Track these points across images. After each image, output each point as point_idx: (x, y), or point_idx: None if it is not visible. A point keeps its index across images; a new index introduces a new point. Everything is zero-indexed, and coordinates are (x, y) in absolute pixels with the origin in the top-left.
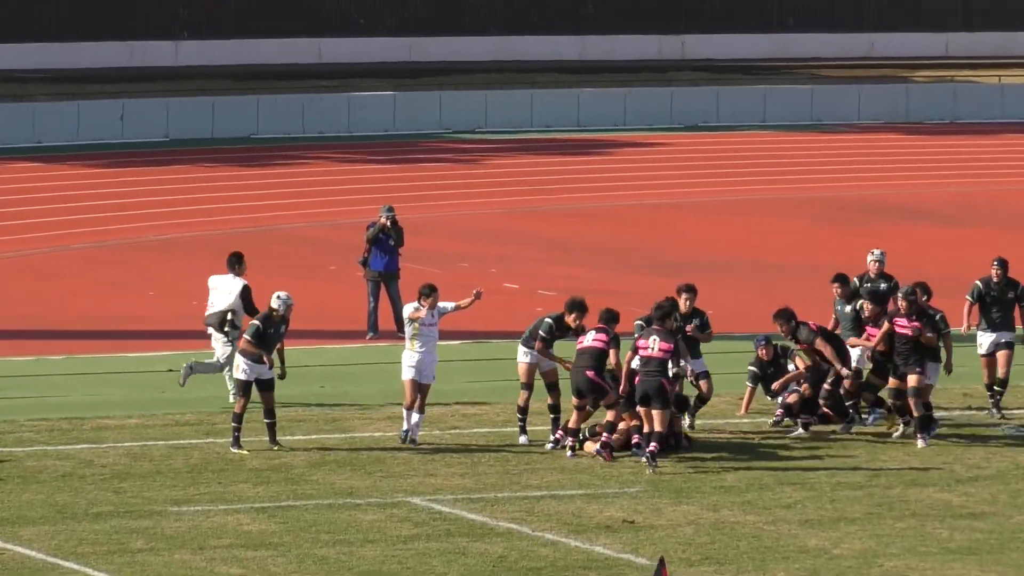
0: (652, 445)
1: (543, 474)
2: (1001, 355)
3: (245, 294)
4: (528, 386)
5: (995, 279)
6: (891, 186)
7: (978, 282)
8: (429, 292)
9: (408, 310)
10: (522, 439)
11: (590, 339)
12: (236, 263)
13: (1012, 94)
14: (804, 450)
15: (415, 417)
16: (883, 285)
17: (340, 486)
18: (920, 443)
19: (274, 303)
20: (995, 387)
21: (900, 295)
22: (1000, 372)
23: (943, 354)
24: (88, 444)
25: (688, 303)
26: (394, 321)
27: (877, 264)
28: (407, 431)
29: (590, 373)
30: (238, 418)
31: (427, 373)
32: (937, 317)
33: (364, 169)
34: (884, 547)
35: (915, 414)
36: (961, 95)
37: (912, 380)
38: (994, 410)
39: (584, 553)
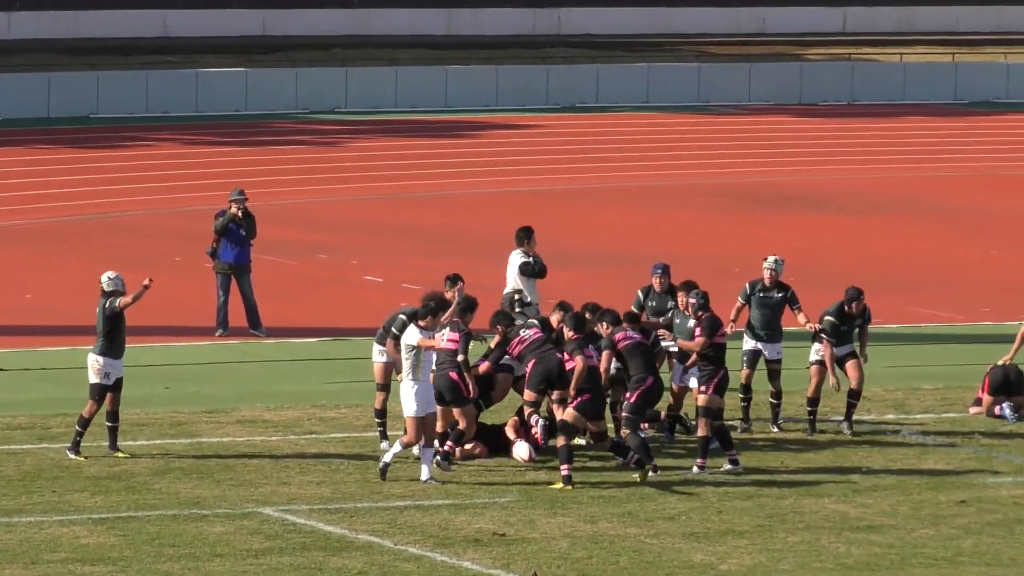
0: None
1: (407, 483)
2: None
3: (521, 268)
4: (385, 387)
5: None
6: (783, 172)
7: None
8: (438, 308)
9: (415, 337)
10: (383, 445)
11: (444, 339)
12: (524, 238)
13: (914, 73)
14: (689, 457)
15: (417, 450)
16: (777, 295)
17: (185, 495)
18: (695, 469)
19: (107, 286)
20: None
21: (691, 297)
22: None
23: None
24: None
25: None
26: (246, 317)
27: (771, 272)
28: (386, 465)
29: (453, 375)
30: (85, 423)
31: (430, 402)
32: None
33: (213, 152)
34: (775, 562)
35: (701, 434)
36: (860, 74)
37: (702, 400)
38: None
39: (451, 568)
